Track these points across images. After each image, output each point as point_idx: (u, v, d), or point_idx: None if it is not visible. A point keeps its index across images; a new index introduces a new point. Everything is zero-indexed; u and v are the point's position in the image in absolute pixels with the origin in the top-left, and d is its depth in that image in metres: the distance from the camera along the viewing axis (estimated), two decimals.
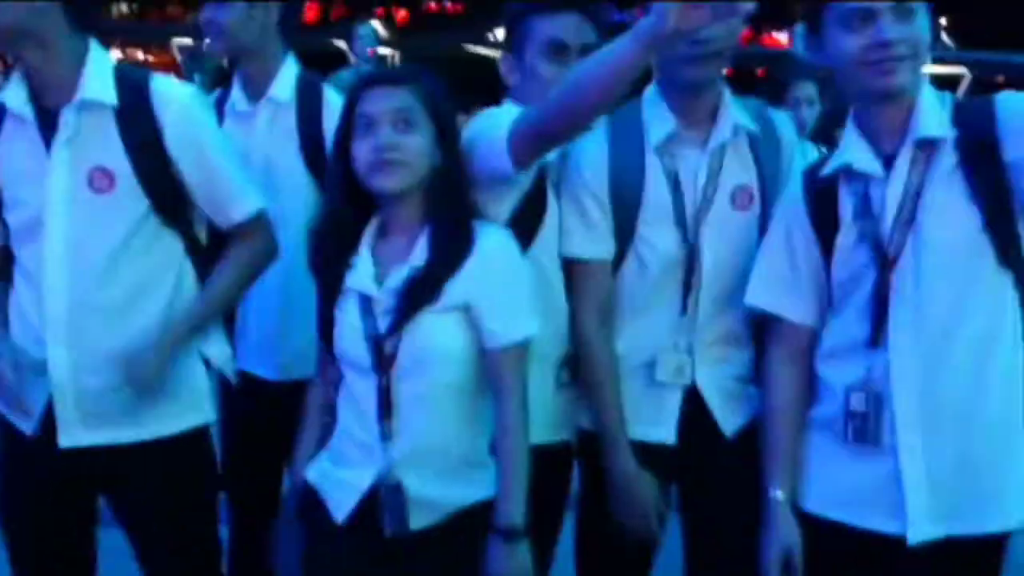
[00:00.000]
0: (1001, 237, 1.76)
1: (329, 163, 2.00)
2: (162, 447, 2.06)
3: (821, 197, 1.90)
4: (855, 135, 1.87)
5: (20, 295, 2.03)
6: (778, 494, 1.93)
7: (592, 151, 2.07)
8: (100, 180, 1.95)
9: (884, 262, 1.81)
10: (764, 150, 2.12)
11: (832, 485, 1.91)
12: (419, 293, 1.85)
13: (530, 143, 1.88)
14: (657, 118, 2.07)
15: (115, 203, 1.96)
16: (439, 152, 1.88)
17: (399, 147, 1.83)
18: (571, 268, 2.12)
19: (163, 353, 2.01)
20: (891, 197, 1.81)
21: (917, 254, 1.79)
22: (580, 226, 2.09)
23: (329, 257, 1.94)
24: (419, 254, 1.87)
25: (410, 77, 1.91)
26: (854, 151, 1.85)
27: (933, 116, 1.80)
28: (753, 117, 2.12)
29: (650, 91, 2.12)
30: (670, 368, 2.09)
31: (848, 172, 1.86)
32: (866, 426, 1.83)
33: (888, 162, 1.82)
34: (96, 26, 2.03)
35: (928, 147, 1.79)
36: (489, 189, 1.98)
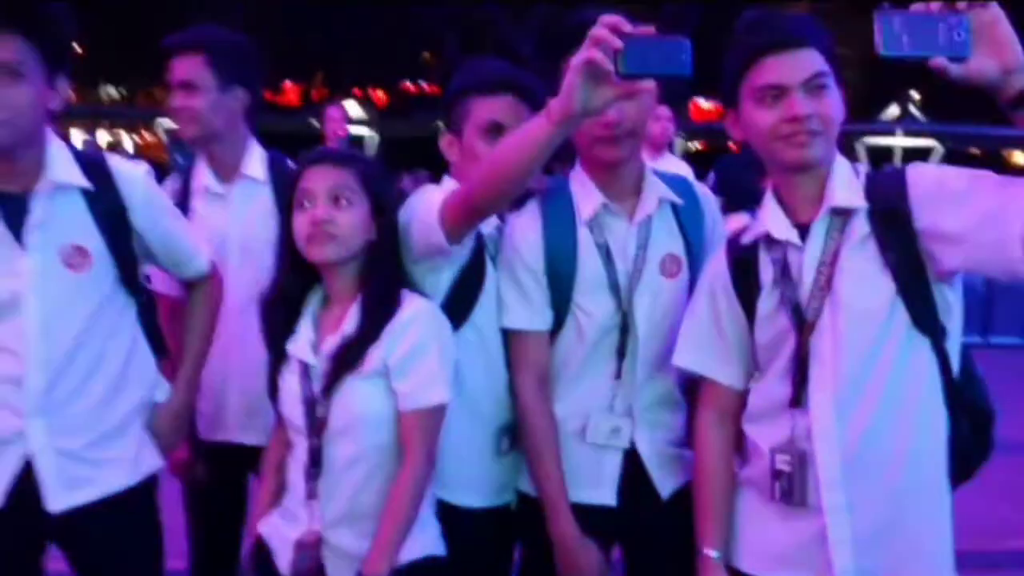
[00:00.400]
0: (914, 303, 1.82)
1: (276, 237, 2.11)
2: (126, 495, 2.18)
3: (743, 263, 1.97)
4: (773, 204, 1.94)
5: None
6: (711, 553, 1.97)
7: (526, 228, 2.18)
8: (75, 258, 2.06)
9: (803, 326, 1.88)
10: (688, 220, 2.22)
11: (763, 544, 1.95)
12: (345, 359, 1.97)
13: (459, 217, 1.97)
14: (585, 195, 2.17)
15: (89, 278, 2.09)
16: (374, 227, 2.02)
17: (334, 221, 1.97)
18: (510, 338, 2.20)
19: (183, 422, 2.35)
20: (808, 263, 1.88)
21: (834, 318, 1.85)
22: (518, 299, 2.17)
23: (275, 325, 2.07)
24: (351, 323, 2.00)
25: (349, 158, 2.07)
26: (772, 220, 1.93)
27: (846, 187, 1.88)
28: (677, 190, 2.22)
29: (577, 169, 2.22)
30: (603, 430, 2.15)
31: (767, 240, 1.94)
32: (792, 486, 1.88)
33: (804, 230, 1.89)
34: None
35: (842, 216, 1.87)
36: (427, 261, 2.08)
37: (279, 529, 2.08)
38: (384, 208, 2.05)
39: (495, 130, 2.15)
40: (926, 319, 1.83)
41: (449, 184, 2.17)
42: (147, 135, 24.02)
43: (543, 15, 19.00)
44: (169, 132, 21.64)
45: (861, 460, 1.83)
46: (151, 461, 2.25)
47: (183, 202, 2.62)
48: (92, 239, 2.09)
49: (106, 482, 2.14)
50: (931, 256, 1.81)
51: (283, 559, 2.04)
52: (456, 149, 2.24)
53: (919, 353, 1.84)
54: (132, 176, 2.18)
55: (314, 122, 13.35)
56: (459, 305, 2.14)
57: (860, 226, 1.86)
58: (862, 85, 22.42)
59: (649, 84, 1.62)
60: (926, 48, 1.51)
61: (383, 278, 2.02)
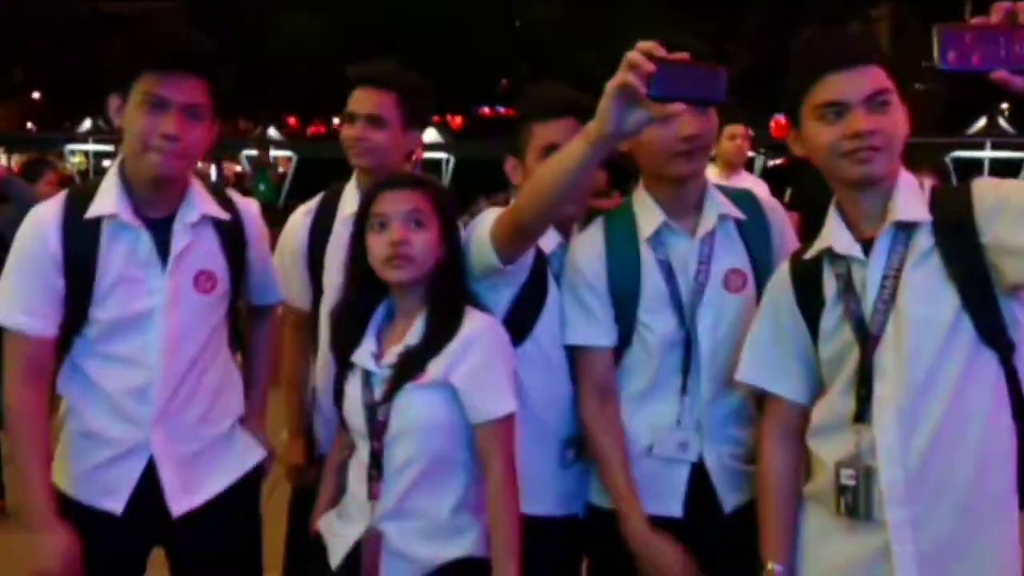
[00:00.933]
0: (980, 316, 1.81)
1: (346, 256, 2.21)
2: (231, 491, 2.34)
3: (806, 278, 1.98)
4: (836, 219, 1.95)
5: (103, 381, 2.19)
6: (775, 567, 1.98)
7: (589, 247, 2.23)
8: (205, 282, 2.25)
9: (867, 340, 1.88)
10: (753, 235, 2.25)
11: (827, 559, 1.95)
12: (406, 368, 2.07)
13: (509, 236, 2.04)
14: (646, 213, 2.22)
15: (213, 300, 2.28)
16: (443, 247, 2.12)
17: (411, 243, 2.07)
18: (574, 354, 2.25)
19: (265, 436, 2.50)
20: (872, 277, 1.88)
21: (898, 332, 1.85)
22: (580, 316, 2.22)
23: (342, 337, 2.20)
24: (414, 335, 2.10)
25: (421, 181, 2.17)
26: (835, 235, 1.94)
27: (911, 201, 1.88)
28: (740, 205, 2.25)
29: (639, 187, 2.27)
30: (671, 445, 2.18)
31: (831, 254, 1.94)
32: (856, 501, 1.87)
33: (867, 245, 1.90)
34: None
35: (906, 230, 1.87)
36: (485, 280, 2.15)
37: (335, 527, 2.18)
38: (450, 229, 2.15)
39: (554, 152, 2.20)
40: (993, 333, 1.82)
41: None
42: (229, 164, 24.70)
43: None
44: (251, 160, 22.23)
45: (926, 475, 1.82)
46: (254, 455, 2.41)
47: (327, 225, 2.77)
48: (219, 265, 2.28)
49: (217, 482, 2.30)
50: (997, 270, 1.80)
51: (336, 556, 2.14)
52: (520, 172, 2.32)
53: (986, 367, 1.83)
54: (251, 211, 2.41)
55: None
56: (520, 321, 2.20)
57: (924, 240, 1.86)
58: (949, 98, 21.91)
59: (679, 107, 1.66)
60: (988, 61, 1.51)
61: (449, 295, 2.11)
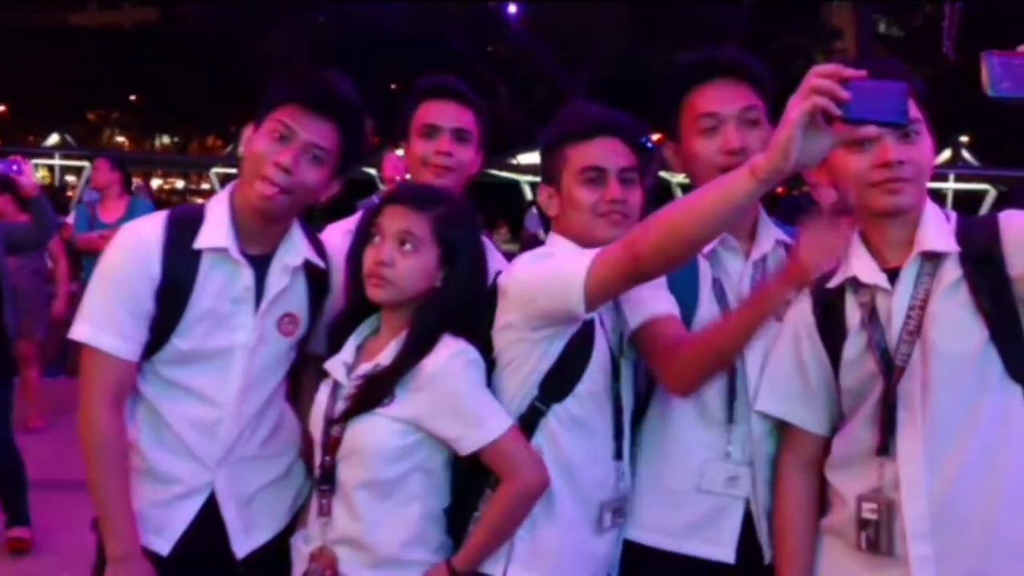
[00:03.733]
0: (1008, 350, 1.79)
1: (346, 261, 2.17)
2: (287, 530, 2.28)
3: (828, 307, 1.95)
4: (860, 249, 1.92)
5: (170, 413, 2.12)
6: None
7: None
8: (288, 325, 2.20)
9: (891, 371, 1.85)
10: None
11: None
12: (370, 391, 2.01)
13: (615, 283, 1.87)
14: None
15: (292, 344, 2.22)
16: (440, 275, 2.04)
17: (393, 265, 2.00)
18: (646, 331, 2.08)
19: None
20: (897, 308, 1.85)
21: (924, 364, 1.82)
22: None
23: (331, 346, 2.15)
24: (387, 356, 2.03)
25: (431, 201, 2.08)
26: (860, 264, 1.91)
27: (938, 231, 1.86)
28: (787, 233, 2.19)
29: None
30: (719, 478, 2.08)
31: (855, 283, 1.91)
32: (878, 536, 1.83)
33: (892, 275, 1.87)
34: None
35: (933, 261, 1.85)
36: (547, 328, 2.00)
37: (297, 542, 2.14)
38: (456, 257, 2.05)
39: (596, 175, 2.09)
40: (1020, 367, 1.80)
41: (566, 245, 2.09)
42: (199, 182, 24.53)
43: (596, 65, 19.22)
44: (220, 178, 22.02)
45: (950, 511, 1.79)
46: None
47: None
48: (303, 309, 2.22)
49: (277, 522, 2.24)
50: None
51: (298, 571, 2.09)
52: (556, 202, 2.14)
53: (1012, 401, 1.80)
54: (340, 261, 2.25)
55: (368, 170, 13.49)
56: (565, 375, 2.03)
57: (952, 271, 1.84)
58: None
59: (871, 131, 1.60)
60: None
61: (433, 324, 2.02)
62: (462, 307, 2.05)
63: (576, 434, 2.06)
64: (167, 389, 2.12)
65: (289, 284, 2.16)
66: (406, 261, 2.00)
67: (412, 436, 2.00)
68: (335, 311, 2.25)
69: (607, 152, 2.11)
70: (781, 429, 2.06)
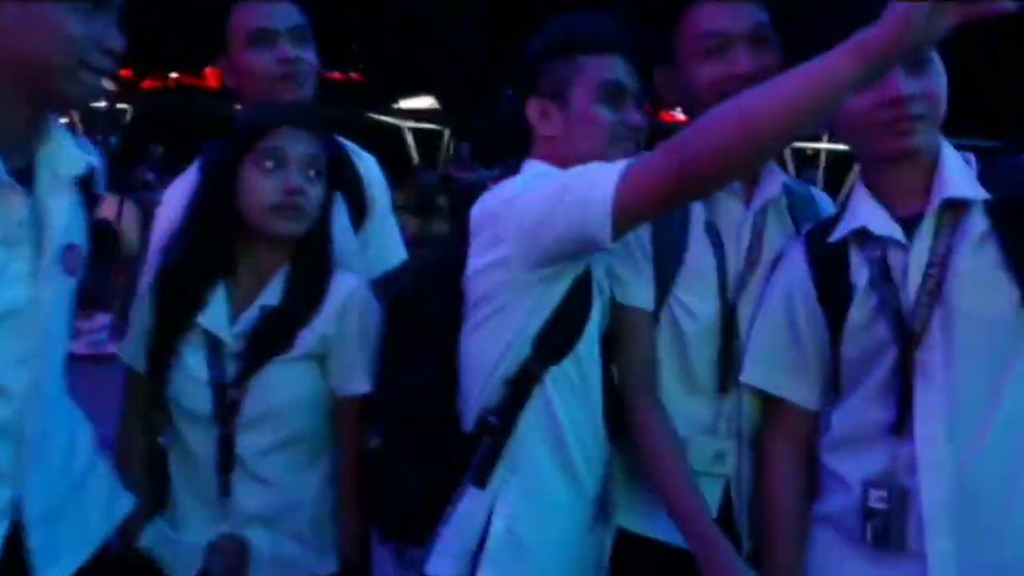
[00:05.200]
0: None
1: (201, 188, 1.85)
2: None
3: (828, 265, 1.68)
4: (866, 197, 1.67)
5: None
6: None
7: None
8: (72, 260, 1.62)
9: (908, 337, 1.59)
10: (803, 216, 1.87)
11: None
12: (271, 339, 1.79)
13: (648, 204, 1.53)
14: None
15: (75, 284, 1.69)
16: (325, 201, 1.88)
17: (307, 194, 1.79)
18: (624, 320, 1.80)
19: None
20: (914, 264, 1.60)
21: (946, 329, 1.57)
22: (634, 276, 1.78)
23: (182, 291, 1.82)
24: (271, 295, 1.81)
25: (319, 125, 1.88)
26: (869, 214, 1.64)
27: (961, 176, 1.61)
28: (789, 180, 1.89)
29: None
30: (705, 455, 1.78)
31: (862, 237, 1.65)
32: (888, 527, 1.59)
33: (907, 226, 1.62)
34: None
35: (955, 210, 1.60)
36: (554, 265, 1.63)
37: (171, 538, 1.83)
38: (338, 182, 1.96)
39: (618, 93, 1.75)
40: None
41: (543, 168, 1.73)
42: None
43: (481, 9, 18.68)
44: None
45: (975, 499, 1.55)
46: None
47: None
48: (83, 238, 1.70)
49: (90, 541, 1.69)
50: None
51: (185, 570, 1.80)
52: (558, 119, 1.77)
53: None
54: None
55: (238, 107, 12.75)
56: (566, 328, 1.67)
57: (978, 222, 1.59)
58: None
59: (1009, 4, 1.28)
60: None
61: (319, 253, 1.85)
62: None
63: (574, 407, 1.70)
64: None
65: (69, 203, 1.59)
66: (316, 189, 1.81)
67: (321, 380, 1.82)
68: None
69: (625, 70, 1.77)
70: (768, 403, 1.78)
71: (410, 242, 2.46)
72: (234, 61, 2.09)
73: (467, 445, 1.68)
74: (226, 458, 1.78)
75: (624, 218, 1.52)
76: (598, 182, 1.53)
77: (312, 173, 1.80)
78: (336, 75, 23.39)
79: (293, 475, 1.81)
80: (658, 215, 1.64)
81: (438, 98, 19.17)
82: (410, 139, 19.84)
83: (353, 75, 22.53)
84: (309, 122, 1.83)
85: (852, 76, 1.34)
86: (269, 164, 1.77)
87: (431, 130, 19.79)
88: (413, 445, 1.74)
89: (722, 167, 1.45)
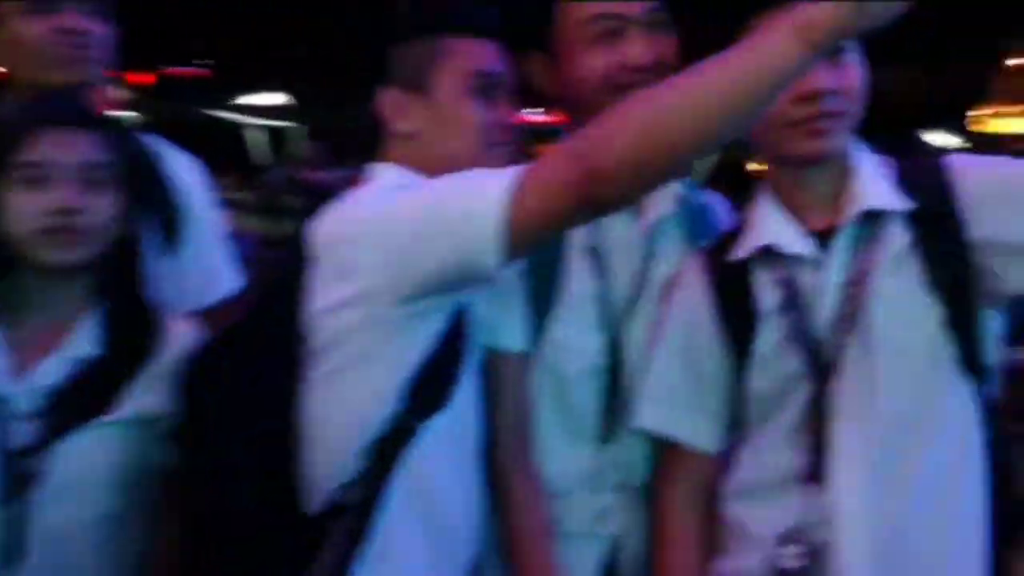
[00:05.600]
0: (963, 336, 1.39)
1: None
2: None
3: (729, 287, 1.47)
4: (773, 208, 1.46)
5: None
6: None
7: None
8: None
9: (821, 369, 1.40)
10: (699, 228, 1.64)
11: None
12: (88, 398, 1.47)
13: (548, 219, 1.25)
14: None
15: None
16: (127, 219, 1.54)
17: (86, 210, 1.46)
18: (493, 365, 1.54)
19: None
20: (828, 285, 1.41)
21: (865, 358, 1.38)
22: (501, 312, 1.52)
23: None
24: (82, 344, 1.50)
25: (97, 121, 1.53)
26: (776, 228, 1.44)
27: (877, 183, 1.42)
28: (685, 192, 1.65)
29: None
30: (584, 515, 1.54)
31: (766, 255, 1.44)
32: None
33: (819, 241, 1.42)
34: None
35: (873, 221, 1.41)
36: (431, 296, 1.33)
37: None
38: (141, 194, 1.60)
39: (493, 86, 1.47)
40: (971, 358, 1.40)
41: (398, 174, 1.45)
42: None
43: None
44: None
45: (898, 552, 1.37)
46: None
47: None
48: None
49: None
50: (991, 274, 1.38)
51: None
52: (417, 114, 1.47)
53: (967, 403, 1.40)
54: None
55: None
56: (443, 375, 1.39)
57: (899, 235, 1.41)
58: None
59: None
60: None
61: (133, 288, 1.55)
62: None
63: (446, 461, 1.42)
64: None
65: None
66: (99, 202, 1.48)
67: (139, 446, 1.50)
68: None
69: (501, 60, 1.49)
70: (662, 446, 1.55)
71: (259, 243, 2.13)
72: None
73: (313, 532, 1.35)
74: (15, 543, 1.43)
75: (517, 238, 1.24)
76: (482, 193, 1.25)
77: (95, 184, 1.47)
78: (176, 71, 22.53)
79: (86, 561, 1.46)
80: (556, 234, 1.38)
81: (292, 93, 18.66)
82: (264, 137, 19.20)
83: (197, 70, 21.71)
84: (83, 119, 1.50)
85: (798, 62, 1.11)
86: (33, 179, 1.44)
87: (284, 127, 19.22)
88: (234, 544, 1.39)
89: (639, 175, 1.19)
